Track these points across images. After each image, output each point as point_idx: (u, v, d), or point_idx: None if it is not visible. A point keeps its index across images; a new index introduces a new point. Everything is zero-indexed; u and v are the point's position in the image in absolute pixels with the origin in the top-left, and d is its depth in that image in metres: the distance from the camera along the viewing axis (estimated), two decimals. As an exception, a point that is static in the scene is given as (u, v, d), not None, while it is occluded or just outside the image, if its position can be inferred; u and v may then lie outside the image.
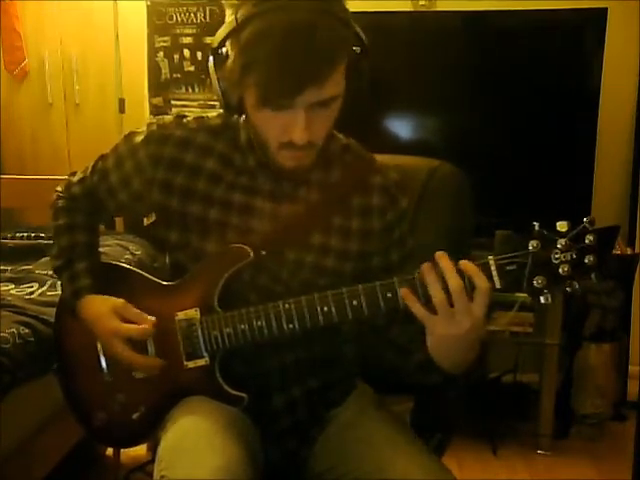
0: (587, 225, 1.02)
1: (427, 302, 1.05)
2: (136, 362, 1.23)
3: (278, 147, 1.13)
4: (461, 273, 1.02)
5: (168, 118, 1.27)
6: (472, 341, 1.06)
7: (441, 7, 2.88)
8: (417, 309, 1.04)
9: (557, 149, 2.71)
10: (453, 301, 1.02)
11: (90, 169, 1.35)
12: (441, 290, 1.02)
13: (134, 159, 1.26)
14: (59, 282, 1.37)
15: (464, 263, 1.03)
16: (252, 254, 1.18)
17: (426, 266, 1.04)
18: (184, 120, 1.25)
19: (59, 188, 1.40)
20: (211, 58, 1.10)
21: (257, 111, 1.10)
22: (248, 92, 1.09)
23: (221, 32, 1.08)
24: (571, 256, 1.01)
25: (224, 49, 1.08)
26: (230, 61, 1.08)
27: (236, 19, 1.05)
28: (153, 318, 1.21)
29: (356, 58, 1.11)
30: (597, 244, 1.01)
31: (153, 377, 1.24)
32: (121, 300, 1.24)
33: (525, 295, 1.04)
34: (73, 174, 1.39)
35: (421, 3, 2.88)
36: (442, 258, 1.03)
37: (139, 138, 1.26)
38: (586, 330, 2.69)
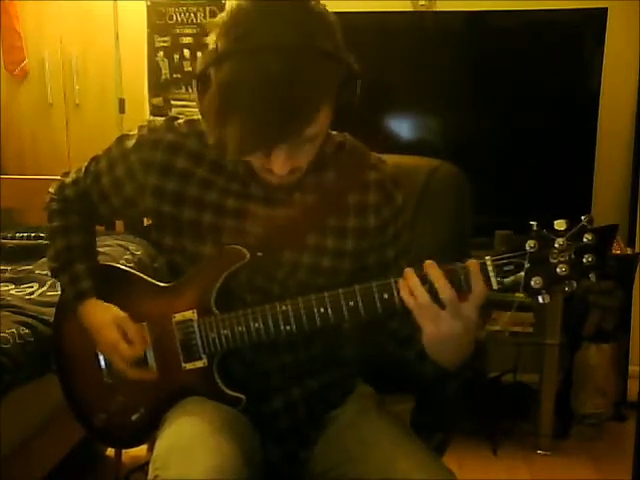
0: (585, 224, 1.01)
1: None
2: (133, 377, 1.24)
3: (261, 169, 1.13)
4: (453, 275, 1.03)
5: (159, 121, 1.25)
6: (465, 341, 1.08)
7: (441, 7, 2.88)
8: (411, 301, 1.05)
9: (557, 149, 2.72)
10: (445, 306, 1.03)
11: (83, 171, 1.34)
12: (424, 293, 1.03)
13: (125, 164, 1.25)
14: (59, 284, 1.37)
15: (470, 263, 1.03)
16: (248, 255, 1.18)
17: (408, 271, 1.05)
18: (175, 123, 1.24)
19: (52, 190, 1.39)
20: (195, 83, 1.07)
21: None
22: (226, 138, 1.05)
23: (203, 59, 1.05)
24: (569, 256, 1.01)
25: (209, 75, 1.04)
26: (211, 92, 1.04)
27: (217, 49, 1.03)
28: (147, 342, 1.23)
29: (344, 82, 1.06)
30: (596, 243, 1.00)
31: (152, 379, 1.25)
32: (123, 314, 1.25)
33: (523, 295, 1.04)
34: (66, 174, 1.39)
35: (421, 3, 2.88)
36: (431, 267, 1.04)
37: (130, 142, 1.25)
38: (586, 330, 2.69)
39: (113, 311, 1.26)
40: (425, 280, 1.04)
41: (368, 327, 1.24)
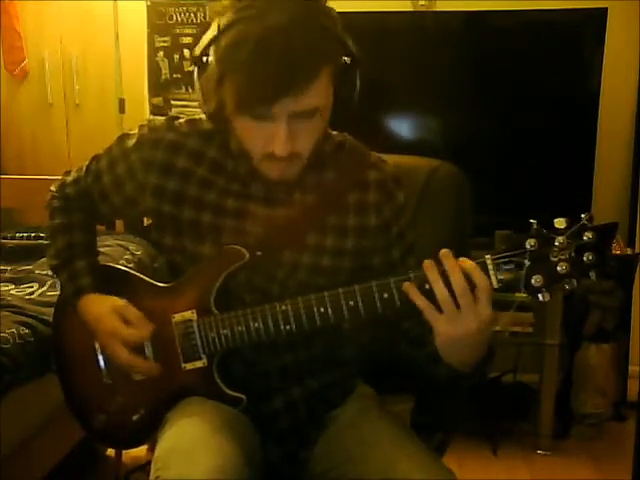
0: (586, 222, 1.01)
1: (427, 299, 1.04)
2: (134, 365, 1.23)
3: (261, 158, 1.12)
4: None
5: (159, 120, 1.26)
6: (479, 341, 1.06)
7: (441, 7, 2.88)
8: (421, 301, 1.03)
9: (557, 149, 2.72)
10: (458, 300, 1.01)
11: (84, 170, 1.35)
12: (444, 288, 1.01)
13: (126, 163, 1.26)
14: (59, 281, 1.37)
15: (462, 261, 1.03)
16: (248, 255, 1.18)
17: (428, 263, 1.03)
18: (175, 123, 1.24)
19: (53, 188, 1.39)
20: (195, 67, 1.10)
21: (237, 119, 1.10)
22: (226, 100, 1.08)
23: (204, 40, 1.09)
24: (569, 254, 1.01)
25: (208, 57, 1.08)
26: (210, 69, 1.08)
27: (218, 27, 1.06)
28: (151, 326, 1.21)
29: (344, 69, 1.09)
30: (596, 241, 1.00)
31: (152, 379, 1.24)
32: (122, 300, 1.24)
33: (524, 295, 1.04)
34: (67, 173, 1.39)
35: (421, 3, 2.88)
36: (447, 258, 1.02)
37: (131, 141, 1.26)
38: (586, 330, 2.69)
39: (112, 300, 1.25)
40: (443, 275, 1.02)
41: (379, 326, 1.24)
